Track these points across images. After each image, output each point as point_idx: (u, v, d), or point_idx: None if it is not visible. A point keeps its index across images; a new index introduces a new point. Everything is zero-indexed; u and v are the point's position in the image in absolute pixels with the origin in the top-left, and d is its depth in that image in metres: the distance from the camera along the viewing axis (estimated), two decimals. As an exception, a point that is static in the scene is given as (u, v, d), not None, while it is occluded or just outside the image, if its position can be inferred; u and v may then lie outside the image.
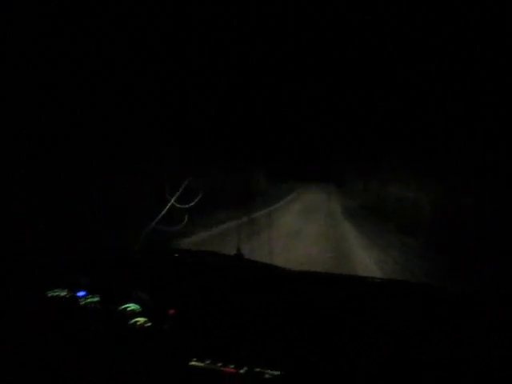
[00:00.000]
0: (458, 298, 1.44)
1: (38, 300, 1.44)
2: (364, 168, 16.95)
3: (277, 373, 1.25)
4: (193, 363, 1.30)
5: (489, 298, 1.40)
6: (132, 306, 1.39)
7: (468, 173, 6.55)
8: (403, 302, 1.38)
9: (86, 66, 5.84)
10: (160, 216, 1.66)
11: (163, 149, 8.46)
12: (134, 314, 1.38)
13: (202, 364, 1.29)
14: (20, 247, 1.55)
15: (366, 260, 6.54)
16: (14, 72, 4.73)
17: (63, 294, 1.44)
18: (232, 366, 1.28)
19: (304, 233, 8.75)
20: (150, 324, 1.36)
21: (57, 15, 4.97)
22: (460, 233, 6.05)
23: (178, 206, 1.70)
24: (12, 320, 1.41)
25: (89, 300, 1.42)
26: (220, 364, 1.28)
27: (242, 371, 1.27)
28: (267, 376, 1.25)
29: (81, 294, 1.44)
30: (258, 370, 1.26)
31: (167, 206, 1.69)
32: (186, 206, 1.71)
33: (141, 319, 1.37)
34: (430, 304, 1.35)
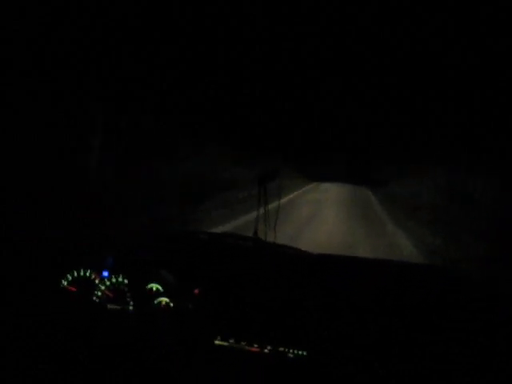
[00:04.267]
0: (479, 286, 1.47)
1: (61, 280, 1.45)
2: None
3: (300, 352, 1.29)
4: (217, 342, 1.33)
5: None
6: (156, 286, 1.41)
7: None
8: (423, 285, 1.41)
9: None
10: None
11: (186, 140, 8.49)
12: (159, 293, 1.40)
13: (226, 343, 1.32)
14: (44, 227, 1.56)
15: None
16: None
17: (87, 273, 1.46)
18: (256, 346, 1.31)
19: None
20: (174, 304, 1.39)
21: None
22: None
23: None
24: (32, 300, 1.43)
25: (113, 280, 1.44)
26: (244, 343, 1.31)
27: (265, 350, 1.30)
28: (291, 355, 1.29)
29: (105, 273, 1.45)
30: (281, 349, 1.30)
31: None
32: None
33: (165, 299, 1.39)
34: (451, 289, 1.39)
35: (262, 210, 1.62)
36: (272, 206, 1.74)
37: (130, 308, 1.41)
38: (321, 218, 9.19)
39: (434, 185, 9.89)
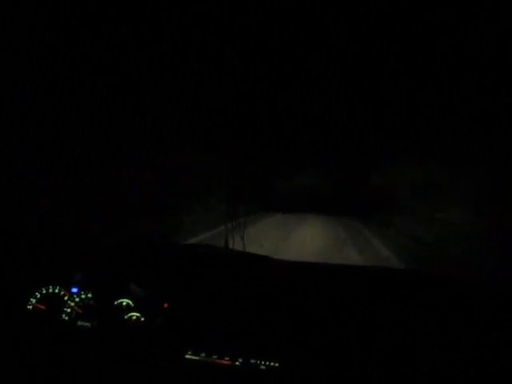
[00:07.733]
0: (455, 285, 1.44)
1: (30, 298, 1.42)
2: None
3: (272, 364, 1.26)
4: (188, 356, 1.29)
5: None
6: (127, 301, 1.38)
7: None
8: (399, 290, 1.38)
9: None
10: None
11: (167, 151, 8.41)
12: (129, 308, 1.37)
13: (197, 357, 1.29)
14: (13, 242, 1.53)
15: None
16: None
17: (56, 290, 1.43)
18: (227, 358, 1.28)
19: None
20: (144, 318, 1.36)
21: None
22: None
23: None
24: (5, 316, 1.40)
25: (82, 296, 1.41)
26: (215, 356, 1.28)
27: (237, 363, 1.27)
28: (262, 367, 1.26)
29: (74, 290, 1.43)
30: (253, 361, 1.27)
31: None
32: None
33: (135, 314, 1.37)
34: (423, 292, 1.35)
35: (232, 222, 1.60)
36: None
37: (100, 324, 1.38)
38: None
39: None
